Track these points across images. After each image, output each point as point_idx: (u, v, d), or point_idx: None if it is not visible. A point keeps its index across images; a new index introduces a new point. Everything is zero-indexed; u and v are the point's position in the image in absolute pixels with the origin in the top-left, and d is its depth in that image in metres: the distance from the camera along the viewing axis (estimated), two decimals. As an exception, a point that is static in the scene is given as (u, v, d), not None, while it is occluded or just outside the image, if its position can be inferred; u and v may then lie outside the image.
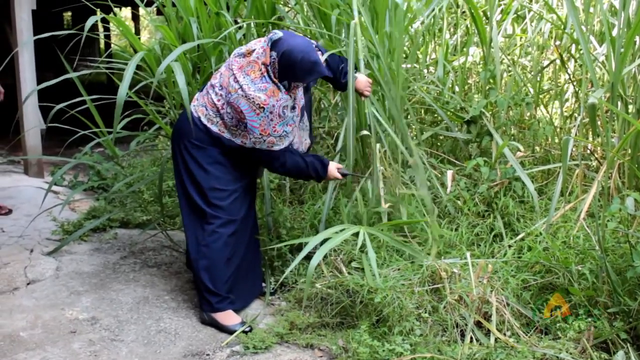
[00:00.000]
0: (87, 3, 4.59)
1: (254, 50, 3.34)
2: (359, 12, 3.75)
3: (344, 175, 3.65)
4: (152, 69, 4.33)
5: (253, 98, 3.22)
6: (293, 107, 3.41)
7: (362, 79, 3.68)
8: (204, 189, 3.48)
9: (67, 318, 3.71)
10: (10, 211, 5.37)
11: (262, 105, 3.22)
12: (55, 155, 6.09)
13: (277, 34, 3.30)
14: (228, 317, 3.55)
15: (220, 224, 3.51)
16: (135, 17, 15.90)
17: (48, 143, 6.78)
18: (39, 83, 6.55)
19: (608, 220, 3.39)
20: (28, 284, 4.18)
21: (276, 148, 3.40)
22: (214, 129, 3.41)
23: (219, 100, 3.38)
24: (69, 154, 5.70)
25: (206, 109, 3.43)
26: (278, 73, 3.28)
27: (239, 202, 3.57)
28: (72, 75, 4.43)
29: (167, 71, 4.02)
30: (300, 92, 3.52)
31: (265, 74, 3.28)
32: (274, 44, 3.28)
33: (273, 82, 3.28)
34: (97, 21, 4.39)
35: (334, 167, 3.61)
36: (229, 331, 3.50)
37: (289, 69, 3.25)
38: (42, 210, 4.90)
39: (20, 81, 6.53)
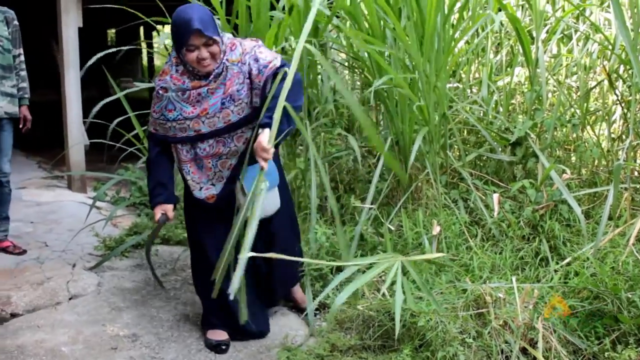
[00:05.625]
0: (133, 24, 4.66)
1: None
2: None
3: (158, 221, 3.36)
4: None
5: None
6: (182, 92, 3.15)
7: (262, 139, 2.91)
8: None
9: (108, 334, 3.72)
10: (24, 251, 5.07)
11: None
12: (98, 170, 6.18)
13: None
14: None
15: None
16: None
17: (91, 158, 6.87)
18: (83, 99, 6.67)
19: (659, 246, 3.33)
20: (70, 298, 4.22)
21: (150, 128, 3.34)
22: None
23: None
24: (111, 169, 5.77)
25: None
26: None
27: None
28: (119, 95, 4.52)
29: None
30: (213, 96, 3.14)
31: (168, 55, 3.27)
32: None
33: (170, 62, 3.21)
34: (139, 37, 4.47)
35: (158, 211, 3.31)
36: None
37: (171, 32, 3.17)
38: (85, 225, 4.95)
39: (66, 98, 6.63)
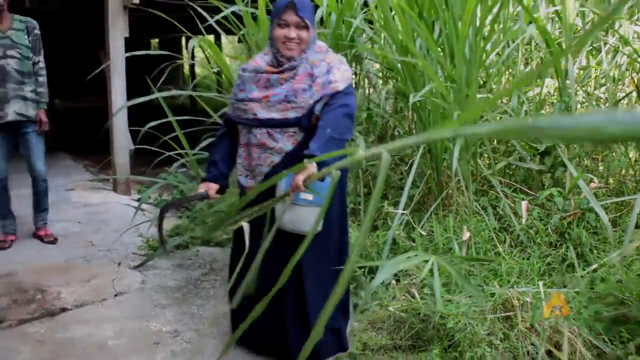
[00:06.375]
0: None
1: None
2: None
3: (196, 193, 3.23)
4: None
5: None
6: (255, 73, 3.09)
7: (299, 177, 2.65)
8: None
9: (151, 330, 3.79)
10: (56, 240, 5.34)
11: None
12: (141, 174, 6.29)
13: None
14: None
15: None
16: (218, 43, 16.28)
17: (135, 162, 6.98)
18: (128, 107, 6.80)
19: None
20: (115, 295, 4.30)
21: (227, 109, 3.30)
22: None
23: None
24: (154, 173, 5.87)
25: None
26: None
27: None
28: (158, 95, 4.59)
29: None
30: (284, 84, 3.01)
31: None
32: None
33: (263, 51, 3.20)
34: (181, 48, 4.57)
35: (203, 187, 3.18)
36: None
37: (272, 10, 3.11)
38: (130, 226, 5.06)
39: (112, 104, 6.77)
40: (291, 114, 2.97)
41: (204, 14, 5.38)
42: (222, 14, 5.18)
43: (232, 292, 3.26)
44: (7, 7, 4.91)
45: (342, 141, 2.86)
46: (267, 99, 2.99)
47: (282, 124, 2.99)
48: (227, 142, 3.23)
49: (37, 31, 5.07)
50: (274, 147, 3.02)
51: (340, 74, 2.99)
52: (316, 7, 4.65)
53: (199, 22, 5.53)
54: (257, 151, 3.07)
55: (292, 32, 2.94)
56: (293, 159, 2.88)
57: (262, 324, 3.09)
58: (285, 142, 3.01)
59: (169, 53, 5.25)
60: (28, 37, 4.99)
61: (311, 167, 2.65)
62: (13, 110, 4.94)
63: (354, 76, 5.37)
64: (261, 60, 3.09)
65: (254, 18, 5.17)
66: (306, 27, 2.95)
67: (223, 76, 5.52)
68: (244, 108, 3.06)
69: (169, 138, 5.08)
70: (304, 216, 2.91)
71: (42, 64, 5.10)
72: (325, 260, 3.23)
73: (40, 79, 5.06)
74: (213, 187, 3.16)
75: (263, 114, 3.00)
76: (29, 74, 4.99)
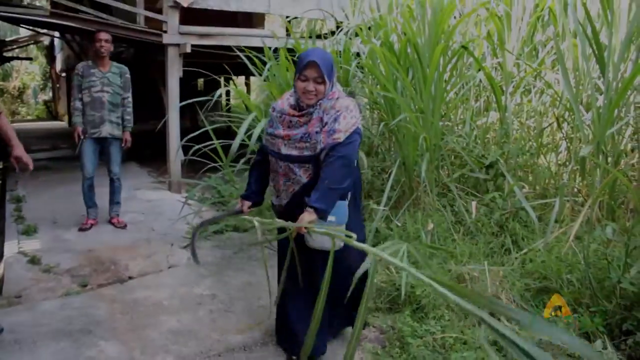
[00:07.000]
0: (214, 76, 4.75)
1: None
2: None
3: (231, 211, 3.06)
4: (259, 119, 4.47)
5: None
6: (280, 114, 2.80)
7: (302, 219, 2.52)
8: None
9: (195, 293, 3.81)
10: (125, 225, 5.33)
11: None
12: (190, 178, 6.29)
13: None
14: None
15: None
16: (248, 82, 16.27)
17: (185, 169, 6.99)
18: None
19: (591, 242, 3.31)
20: (169, 267, 4.31)
21: (263, 139, 2.97)
22: None
23: None
24: (198, 177, 5.87)
25: None
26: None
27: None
28: (208, 128, 4.61)
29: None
30: (303, 128, 2.71)
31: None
32: None
33: (289, 93, 2.89)
34: (220, 84, 4.57)
35: (240, 202, 3.02)
36: None
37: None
38: (180, 216, 5.05)
39: (168, 126, 6.77)
40: (306, 152, 2.68)
41: (245, 61, 5.39)
42: (265, 70, 5.23)
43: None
44: (108, 55, 5.05)
45: (339, 189, 2.59)
46: (289, 138, 2.72)
47: (299, 160, 2.71)
48: (261, 167, 2.96)
49: (128, 75, 5.18)
50: (294, 178, 2.75)
51: (345, 122, 2.62)
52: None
53: (230, 67, 5.53)
54: (283, 179, 2.80)
55: (311, 86, 2.64)
56: (308, 188, 2.67)
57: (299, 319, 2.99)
58: (302, 175, 2.72)
59: (209, 98, 5.27)
60: (120, 78, 5.11)
61: (310, 215, 2.50)
62: (105, 130, 5.05)
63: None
64: (286, 102, 2.81)
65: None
66: (323, 82, 2.65)
67: (247, 105, 5.55)
68: (272, 142, 2.80)
69: (209, 150, 5.08)
70: (325, 238, 2.68)
71: (129, 99, 5.19)
72: (343, 265, 2.73)
73: (128, 109, 5.16)
74: (247, 204, 2.98)
75: (285, 150, 2.73)
76: (117, 105, 5.08)
